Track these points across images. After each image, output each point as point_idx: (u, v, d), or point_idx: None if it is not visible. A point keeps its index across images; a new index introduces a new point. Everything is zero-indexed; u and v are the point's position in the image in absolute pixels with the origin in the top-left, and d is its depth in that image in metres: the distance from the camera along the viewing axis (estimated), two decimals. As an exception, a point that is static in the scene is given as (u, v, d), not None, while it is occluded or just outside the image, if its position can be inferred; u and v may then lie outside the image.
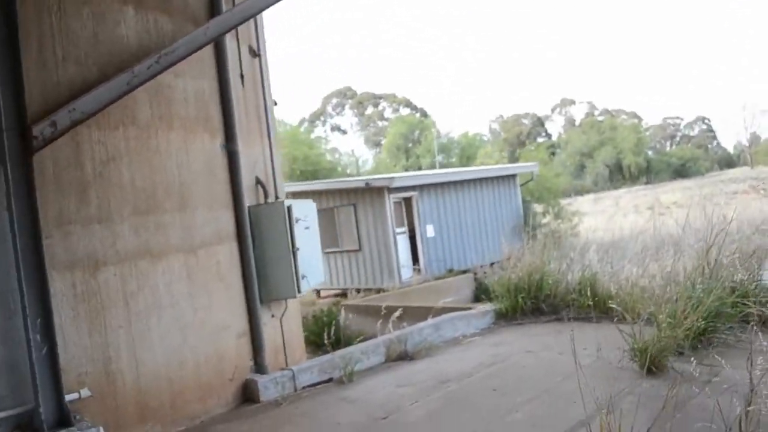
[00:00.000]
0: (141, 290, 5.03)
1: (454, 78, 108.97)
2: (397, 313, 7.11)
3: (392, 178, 16.17)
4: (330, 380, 6.26)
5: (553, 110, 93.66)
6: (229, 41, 6.07)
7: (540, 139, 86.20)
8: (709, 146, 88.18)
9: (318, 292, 18.29)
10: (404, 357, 6.78)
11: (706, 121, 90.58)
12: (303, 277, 6.12)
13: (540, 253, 8.49)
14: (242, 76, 6.32)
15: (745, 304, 5.87)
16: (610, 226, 23.96)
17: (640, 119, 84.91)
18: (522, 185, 20.57)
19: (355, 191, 16.92)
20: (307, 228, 6.38)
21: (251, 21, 6.65)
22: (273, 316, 6.44)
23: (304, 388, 6.07)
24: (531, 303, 7.99)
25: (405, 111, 73.75)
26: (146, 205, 5.09)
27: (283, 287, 6.10)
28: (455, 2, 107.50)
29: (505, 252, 9.10)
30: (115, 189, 4.91)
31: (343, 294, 17.64)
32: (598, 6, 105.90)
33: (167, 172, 5.25)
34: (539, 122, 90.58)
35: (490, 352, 6.52)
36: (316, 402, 5.72)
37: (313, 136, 62.41)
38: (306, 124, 72.57)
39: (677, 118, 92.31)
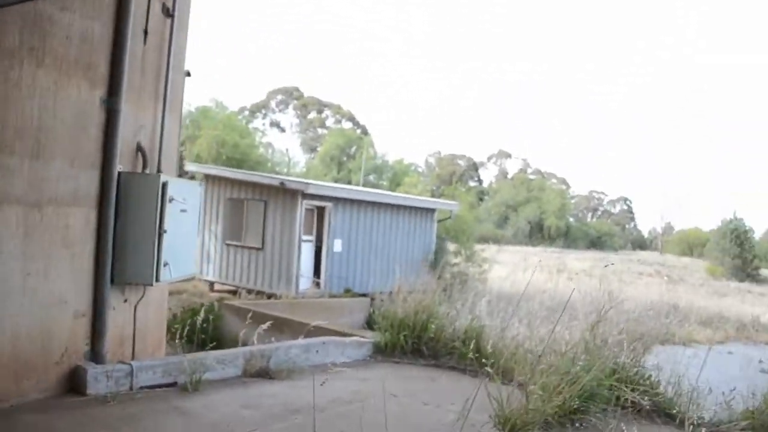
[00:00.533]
0: (-42, 239, 4.26)
1: (404, 103, 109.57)
2: (265, 326, 6.48)
3: (308, 183, 15.55)
4: (174, 384, 5.59)
5: (489, 159, 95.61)
6: (139, -10, 5.39)
7: (471, 183, 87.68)
8: (627, 226, 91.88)
9: (212, 284, 17.45)
10: (264, 374, 6.17)
11: (628, 202, 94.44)
12: (165, 264, 5.45)
13: (433, 292, 8.07)
14: (146, 32, 5.64)
15: (622, 389, 5.58)
16: (516, 278, 24.13)
17: (568, 186, 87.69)
18: (439, 221, 20.35)
19: (269, 188, 16.21)
20: (183, 211, 5.72)
21: (170, -23, 6.03)
22: (126, 301, 5.72)
23: (141, 388, 5.36)
24: (412, 343, 7.53)
25: (347, 124, 73.43)
26: (-12, 142, 4.34)
27: (139, 271, 5.39)
28: (420, 25, 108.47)
29: (397, 282, 8.61)
30: (-48, 115, 4.15)
31: (235, 292, 16.83)
32: (558, 66, 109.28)
33: (24, 111, 4.49)
34: (474, 167, 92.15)
35: (353, 388, 5.99)
36: (147, 407, 5.03)
37: (250, 126, 61.14)
38: (246, 114, 71.13)
39: (602, 193, 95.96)
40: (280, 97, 75.99)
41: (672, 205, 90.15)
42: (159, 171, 5.87)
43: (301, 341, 6.86)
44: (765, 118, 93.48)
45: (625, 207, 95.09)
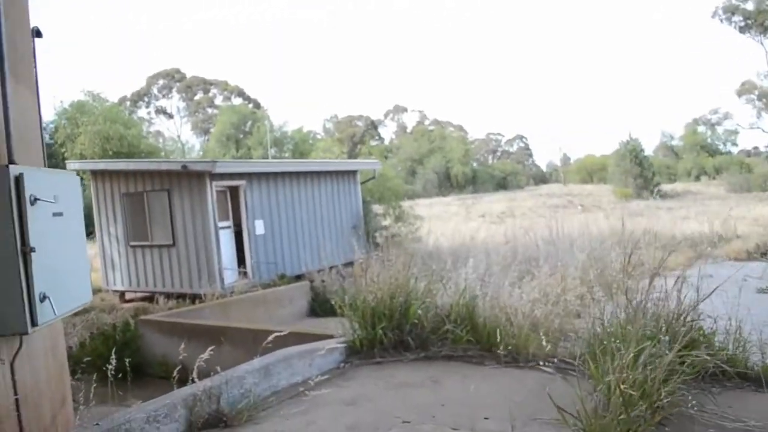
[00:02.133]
0: None
1: (290, 72, 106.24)
2: (205, 355, 4.70)
3: (215, 162, 13.41)
4: (89, 464, 3.80)
5: (386, 115, 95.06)
6: None
7: (373, 143, 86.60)
8: (526, 163, 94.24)
9: (122, 294, 15.22)
10: (217, 422, 4.42)
11: (524, 139, 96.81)
12: (43, 297, 3.56)
13: (403, 267, 6.49)
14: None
15: (703, 356, 4.24)
16: (449, 231, 23.01)
17: (466, 132, 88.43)
18: (363, 183, 18.75)
19: (169, 175, 14.00)
20: (58, 215, 3.83)
21: None
22: (-5, 360, 3.80)
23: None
24: (393, 334, 5.97)
25: (237, 100, 70.18)
26: None
27: (3, 315, 3.49)
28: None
29: (357, 258, 6.99)
30: None
31: (151, 298, 14.67)
32: (435, 20, 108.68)
33: None
34: (373, 125, 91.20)
35: (346, 420, 4.35)
36: None
37: (135, 117, 57.00)
38: (128, 104, 66.66)
39: (499, 134, 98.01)
40: (161, 81, 71.67)
41: (568, 136, 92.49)
42: (10, 162, 3.91)
43: (256, 363, 5.12)
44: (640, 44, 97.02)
45: (522, 144, 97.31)
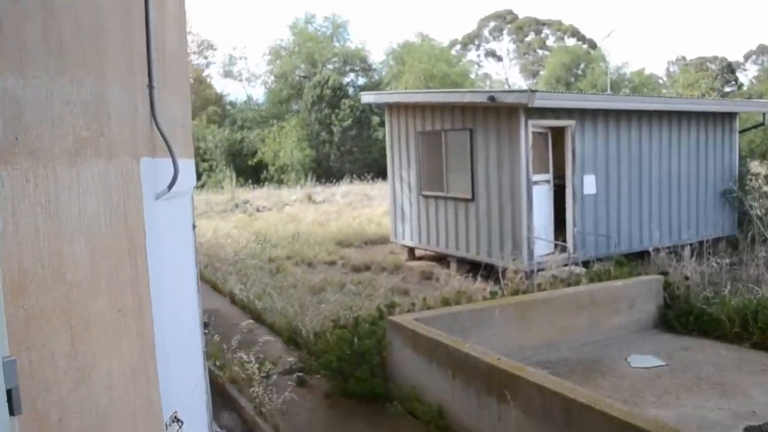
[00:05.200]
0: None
1: (631, 7, 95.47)
2: None
3: (533, 93, 9.60)
4: None
5: (746, 57, 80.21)
6: None
7: (727, 89, 73.79)
8: None
9: (411, 250, 12.80)
10: None
11: None
12: None
13: None
14: None
15: None
16: None
17: None
18: (742, 132, 13.36)
19: (474, 110, 10.72)
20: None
21: None
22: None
23: None
24: None
25: (571, 41, 64.99)
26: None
27: None
28: None
29: None
30: None
31: (442, 259, 11.93)
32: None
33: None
34: (729, 69, 77.58)
35: None
36: None
37: (464, 60, 55.99)
38: (458, 47, 66.17)
39: None
40: (492, 24, 69.60)
41: None
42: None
43: None
44: None
45: None
